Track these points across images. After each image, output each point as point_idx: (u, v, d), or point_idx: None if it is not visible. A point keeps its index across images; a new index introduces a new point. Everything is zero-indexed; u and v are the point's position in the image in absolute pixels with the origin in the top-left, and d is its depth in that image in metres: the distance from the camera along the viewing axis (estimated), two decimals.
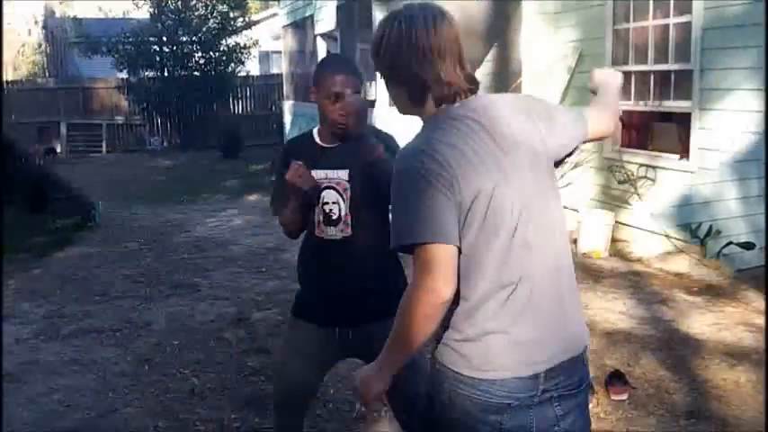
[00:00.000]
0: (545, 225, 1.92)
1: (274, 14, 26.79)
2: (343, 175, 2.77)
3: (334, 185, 2.78)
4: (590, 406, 3.87)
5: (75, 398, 4.34)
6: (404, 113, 2.06)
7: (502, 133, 1.90)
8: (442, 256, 1.79)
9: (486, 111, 1.92)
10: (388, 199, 1.94)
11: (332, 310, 2.79)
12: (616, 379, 4.13)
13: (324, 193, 2.78)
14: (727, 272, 6.35)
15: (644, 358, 4.63)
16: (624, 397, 4.04)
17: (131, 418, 3.95)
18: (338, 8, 9.59)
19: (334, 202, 2.77)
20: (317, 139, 2.86)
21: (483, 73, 9.91)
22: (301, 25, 11.84)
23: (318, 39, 10.72)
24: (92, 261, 7.66)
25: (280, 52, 26.45)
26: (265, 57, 24.62)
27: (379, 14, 8.31)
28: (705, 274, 6.42)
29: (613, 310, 5.56)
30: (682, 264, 6.75)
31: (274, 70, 25.55)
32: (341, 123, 2.69)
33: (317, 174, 2.77)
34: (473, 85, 1.97)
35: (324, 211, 2.79)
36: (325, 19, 10.14)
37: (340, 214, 2.77)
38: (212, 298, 6.19)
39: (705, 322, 5.27)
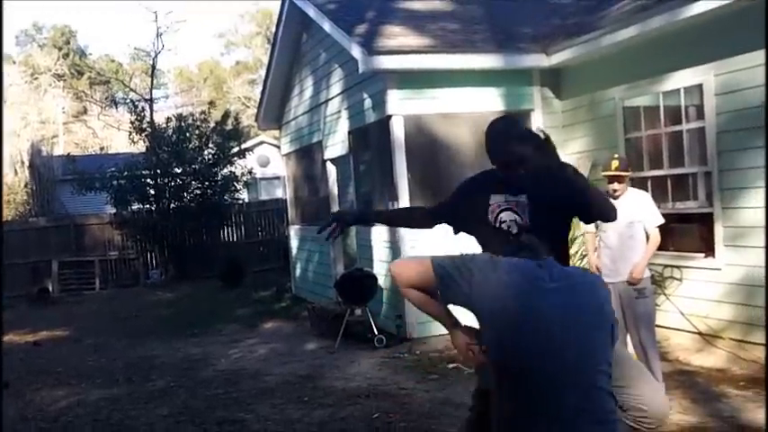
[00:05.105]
0: None
1: (261, 142, 27.49)
2: (522, 198, 3.32)
3: (511, 207, 3.32)
4: None
5: None
6: None
7: None
8: None
9: None
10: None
11: None
12: None
13: (501, 215, 3.33)
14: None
15: None
16: None
17: None
18: (350, 133, 9.87)
19: (512, 220, 3.32)
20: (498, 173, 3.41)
21: None
22: (307, 151, 12.11)
23: (328, 164, 11.00)
24: (122, 402, 7.49)
25: (268, 179, 27.08)
26: (254, 183, 24.98)
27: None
28: (746, 368, 6.51)
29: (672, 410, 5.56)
30: (719, 359, 6.84)
31: (263, 196, 25.96)
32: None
33: (497, 198, 3.35)
34: None
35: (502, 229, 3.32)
36: (336, 144, 10.41)
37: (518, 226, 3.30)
38: None
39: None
